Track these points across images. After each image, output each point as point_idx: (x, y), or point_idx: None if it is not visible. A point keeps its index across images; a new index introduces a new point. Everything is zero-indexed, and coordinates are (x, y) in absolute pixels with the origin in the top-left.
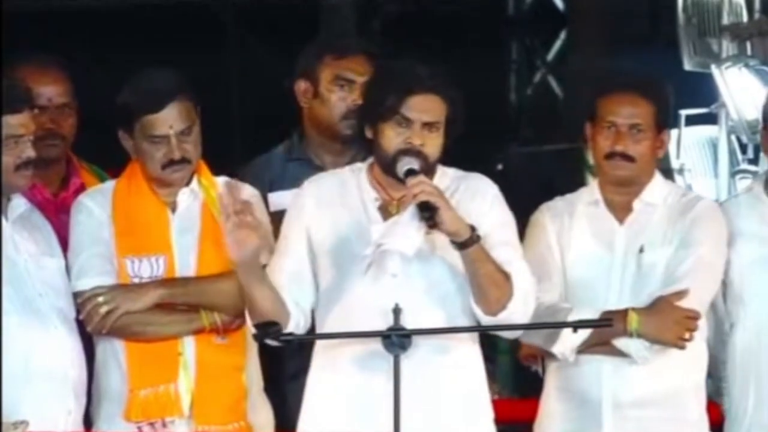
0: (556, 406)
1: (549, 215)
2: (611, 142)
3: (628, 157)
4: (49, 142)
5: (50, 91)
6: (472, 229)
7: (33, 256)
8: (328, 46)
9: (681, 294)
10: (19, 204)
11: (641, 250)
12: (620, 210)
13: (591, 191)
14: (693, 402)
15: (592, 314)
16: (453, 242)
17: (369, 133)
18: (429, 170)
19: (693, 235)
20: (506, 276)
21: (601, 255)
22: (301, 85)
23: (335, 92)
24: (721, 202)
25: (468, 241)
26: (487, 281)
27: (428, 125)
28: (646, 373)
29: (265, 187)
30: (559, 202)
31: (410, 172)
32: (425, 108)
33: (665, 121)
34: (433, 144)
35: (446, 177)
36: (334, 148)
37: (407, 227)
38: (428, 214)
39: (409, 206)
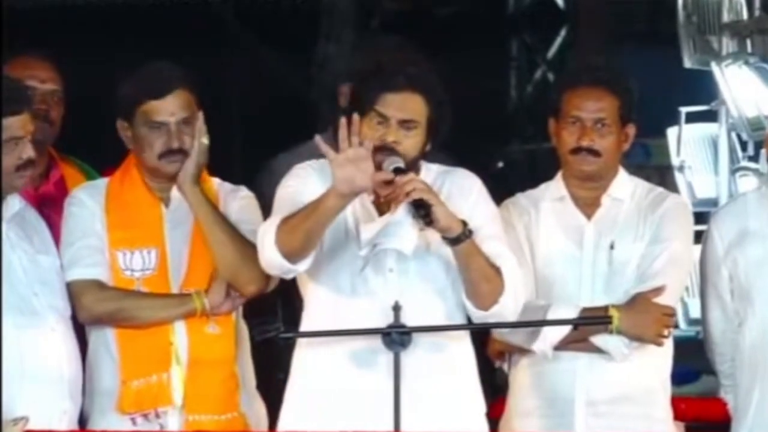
0: (527, 403)
1: (515, 212)
2: (577, 137)
3: (594, 152)
4: (38, 123)
5: (41, 74)
6: (464, 224)
7: (28, 255)
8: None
9: (658, 291)
10: (14, 203)
11: (612, 247)
12: (587, 205)
13: (556, 187)
14: (662, 398)
15: (571, 311)
16: (445, 238)
17: None
18: (411, 168)
19: (664, 231)
20: (497, 270)
21: (570, 251)
22: (344, 89)
23: None
24: (729, 201)
25: (461, 236)
26: (479, 276)
27: (405, 123)
28: (620, 370)
29: None
30: (522, 199)
31: (398, 171)
32: (402, 106)
33: (629, 114)
34: (409, 143)
35: (430, 173)
36: None
37: (402, 226)
38: (423, 211)
39: (400, 204)
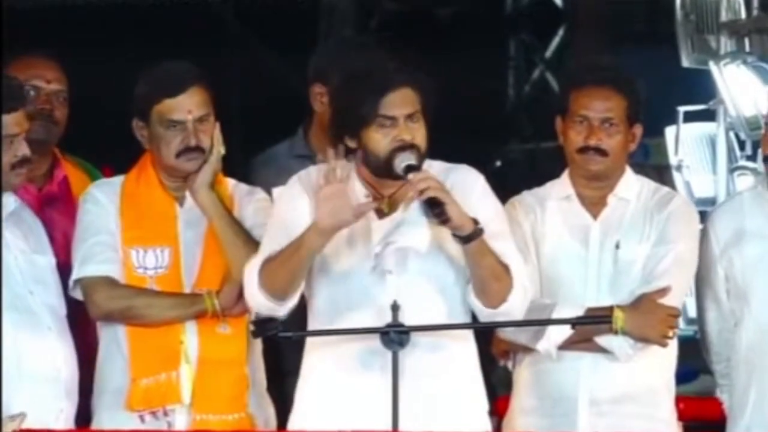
0: (530, 402)
1: (522, 210)
2: (584, 136)
3: (601, 152)
4: (42, 122)
5: (47, 75)
6: (475, 222)
7: (24, 254)
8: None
9: (663, 291)
10: (9, 202)
11: (617, 246)
12: (593, 205)
13: (562, 186)
14: (665, 399)
15: (576, 311)
16: (456, 236)
17: (351, 143)
18: (423, 161)
19: (670, 232)
20: (506, 268)
21: (576, 250)
22: (316, 89)
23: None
24: (725, 200)
25: (472, 235)
26: (489, 274)
27: (410, 117)
28: (623, 370)
29: (270, 183)
30: (528, 197)
31: (410, 168)
32: (403, 102)
33: (637, 114)
34: (420, 135)
35: (433, 170)
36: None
37: (414, 224)
38: (438, 209)
39: (411, 202)
